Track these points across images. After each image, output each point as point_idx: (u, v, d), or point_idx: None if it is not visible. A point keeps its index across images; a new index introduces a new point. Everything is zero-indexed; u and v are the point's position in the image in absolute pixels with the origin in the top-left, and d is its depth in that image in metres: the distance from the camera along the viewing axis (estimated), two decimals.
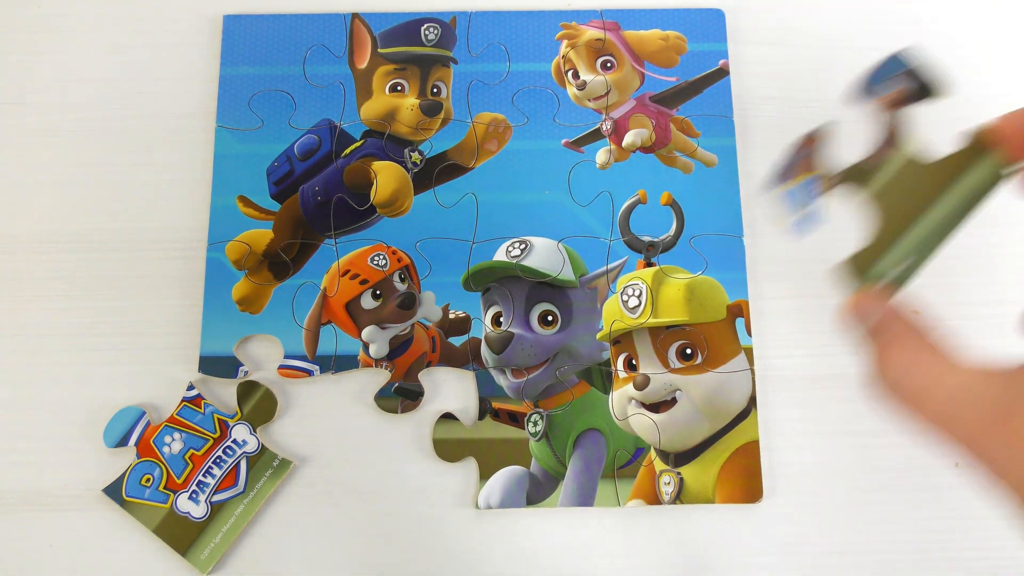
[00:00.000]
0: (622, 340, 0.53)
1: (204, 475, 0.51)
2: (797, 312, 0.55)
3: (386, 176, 0.56)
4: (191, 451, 0.51)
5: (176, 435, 0.51)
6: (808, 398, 0.54)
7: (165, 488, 0.50)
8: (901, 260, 0.36)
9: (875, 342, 0.32)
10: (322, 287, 0.54)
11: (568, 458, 0.52)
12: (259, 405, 0.52)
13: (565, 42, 0.59)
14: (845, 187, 0.38)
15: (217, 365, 0.53)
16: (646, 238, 0.55)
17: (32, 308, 0.55)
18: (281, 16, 0.59)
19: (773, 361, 0.54)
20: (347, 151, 0.57)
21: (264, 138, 0.57)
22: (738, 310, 0.54)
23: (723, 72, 0.59)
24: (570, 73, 0.59)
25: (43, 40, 0.60)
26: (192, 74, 0.59)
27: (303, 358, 0.53)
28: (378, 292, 0.54)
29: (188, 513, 0.50)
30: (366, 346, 0.53)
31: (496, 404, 0.53)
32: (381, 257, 0.55)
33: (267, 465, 0.51)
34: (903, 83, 0.38)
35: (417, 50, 0.59)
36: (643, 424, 0.52)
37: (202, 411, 0.52)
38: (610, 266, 0.55)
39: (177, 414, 0.52)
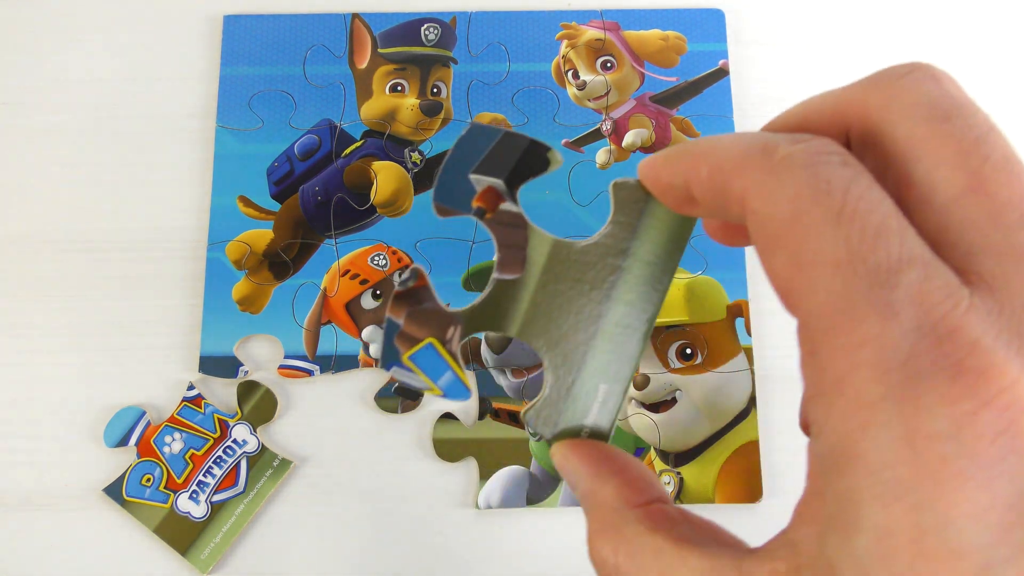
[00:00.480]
0: None
1: (204, 475, 0.51)
2: None
3: (386, 176, 0.56)
4: (191, 451, 0.51)
5: (176, 435, 0.51)
6: None
7: (165, 488, 0.50)
8: (591, 398, 0.26)
9: (585, 513, 0.24)
10: (322, 287, 0.54)
11: None
12: (259, 405, 0.52)
13: (565, 42, 0.59)
14: (477, 336, 0.30)
15: (217, 365, 0.53)
16: None
17: (32, 308, 0.55)
18: (281, 16, 0.59)
19: (773, 361, 0.54)
20: (347, 151, 0.57)
21: (264, 138, 0.57)
22: (738, 310, 0.54)
23: (723, 72, 0.59)
24: (570, 73, 0.59)
25: (43, 40, 0.60)
26: (192, 74, 0.59)
27: (303, 358, 0.53)
28: (378, 292, 0.54)
29: (188, 513, 0.50)
30: (366, 346, 0.53)
31: (496, 404, 0.53)
32: (381, 257, 0.55)
33: (267, 465, 0.51)
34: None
35: (417, 50, 0.59)
36: (643, 424, 0.52)
37: (202, 411, 0.52)
38: None
39: (177, 414, 0.52)
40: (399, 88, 0.58)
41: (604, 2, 0.60)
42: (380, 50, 0.59)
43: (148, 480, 0.51)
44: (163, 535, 0.50)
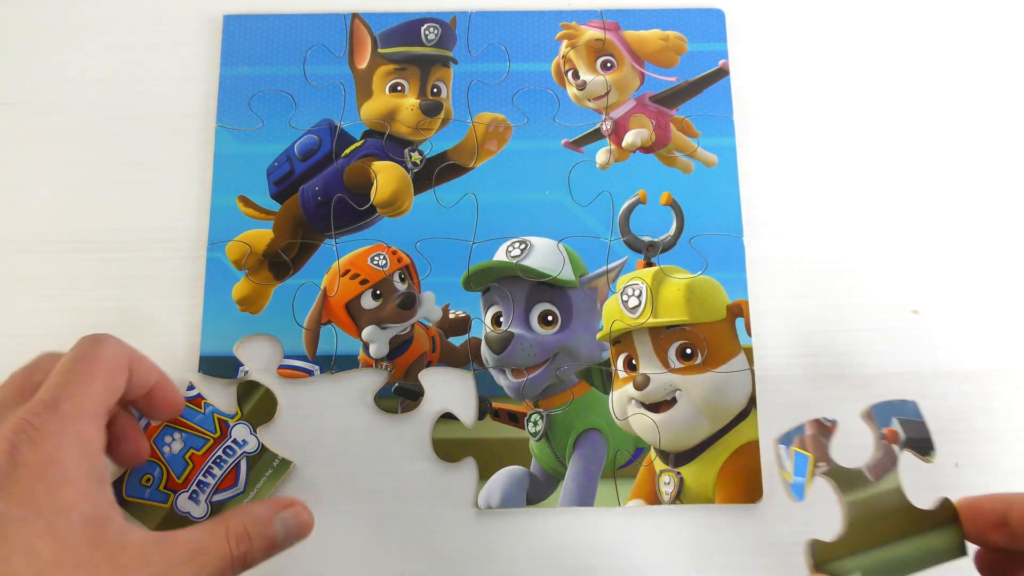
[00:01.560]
0: (622, 340, 0.53)
1: (204, 475, 0.51)
2: (797, 312, 0.55)
3: (386, 176, 0.56)
4: (191, 451, 0.51)
5: (176, 435, 0.51)
6: (808, 398, 0.54)
7: (165, 488, 0.50)
8: (851, 572, 0.40)
9: None
10: (322, 287, 0.54)
11: (568, 458, 0.52)
12: (259, 405, 0.52)
13: (565, 42, 0.59)
14: (830, 481, 0.42)
15: (217, 365, 0.53)
16: (646, 238, 0.55)
17: (33, 308, 0.55)
18: (281, 16, 0.59)
19: (773, 361, 0.54)
20: (347, 151, 0.57)
21: (264, 138, 0.57)
22: (738, 310, 0.54)
23: (723, 72, 0.59)
24: (570, 73, 0.59)
25: (43, 40, 0.60)
26: (192, 74, 0.59)
27: (303, 358, 0.53)
28: (378, 292, 0.54)
29: (188, 513, 0.50)
30: (366, 346, 0.53)
31: (496, 404, 0.53)
32: (381, 257, 0.55)
33: (267, 465, 0.51)
34: (903, 428, 0.43)
35: (417, 50, 0.59)
36: (643, 424, 0.52)
37: (202, 411, 0.52)
38: (610, 266, 0.55)
39: None
40: (399, 88, 0.58)
41: (604, 2, 0.60)
42: (380, 50, 0.59)
43: (148, 480, 0.51)
44: None
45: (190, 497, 0.50)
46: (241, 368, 0.53)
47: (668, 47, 0.59)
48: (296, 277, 0.54)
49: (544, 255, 0.54)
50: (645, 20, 0.60)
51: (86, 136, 0.58)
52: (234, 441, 0.51)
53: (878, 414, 0.43)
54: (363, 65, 0.59)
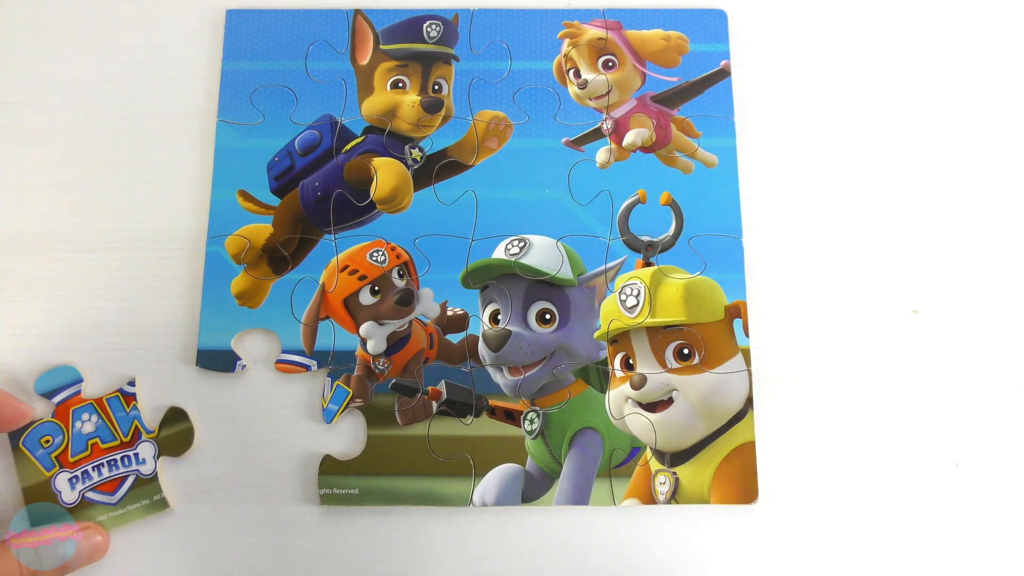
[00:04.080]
0: (619, 339, 0.53)
1: (93, 468, 0.50)
2: (795, 313, 0.55)
3: (386, 172, 0.56)
4: (97, 440, 0.51)
5: (94, 417, 0.51)
6: (805, 399, 0.54)
7: (56, 459, 0.50)
8: (351, 488, 0.47)
9: None
10: (321, 282, 0.54)
11: (564, 456, 0.52)
12: (177, 436, 0.52)
13: (567, 41, 0.59)
14: (362, 415, 0.52)
15: (215, 359, 0.53)
16: (645, 238, 0.55)
17: (33, 307, 0.55)
18: (283, 11, 0.59)
19: (770, 362, 0.54)
20: (347, 147, 0.57)
21: (265, 133, 0.57)
22: (736, 311, 0.54)
23: (725, 73, 0.59)
24: (571, 72, 0.59)
25: (43, 39, 0.60)
26: (194, 69, 0.59)
27: (301, 353, 0.53)
28: (376, 288, 0.54)
29: (60, 493, 0.50)
30: (364, 342, 0.53)
31: (493, 402, 0.53)
32: (380, 253, 0.55)
33: (148, 494, 0.51)
34: (448, 388, 0.52)
35: (419, 47, 0.59)
36: (639, 423, 0.52)
37: (128, 410, 0.52)
38: (609, 265, 0.55)
39: (107, 400, 0.52)
40: (400, 85, 0.58)
41: (606, 1, 0.60)
42: (382, 47, 0.59)
43: (47, 442, 0.51)
44: (28, 497, 0.50)
45: (70, 480, 0.50)
46: (239, 362, 0.53)
47: (670, 47, 0.59)
48: (295, 272, 0.54)
49: (543, 253, 0.54)
50: (647, 20, 0.60)
51: (87, 133, 0.58)
52: (135, 455, 0.51)
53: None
54: (365, 61, 0.59)
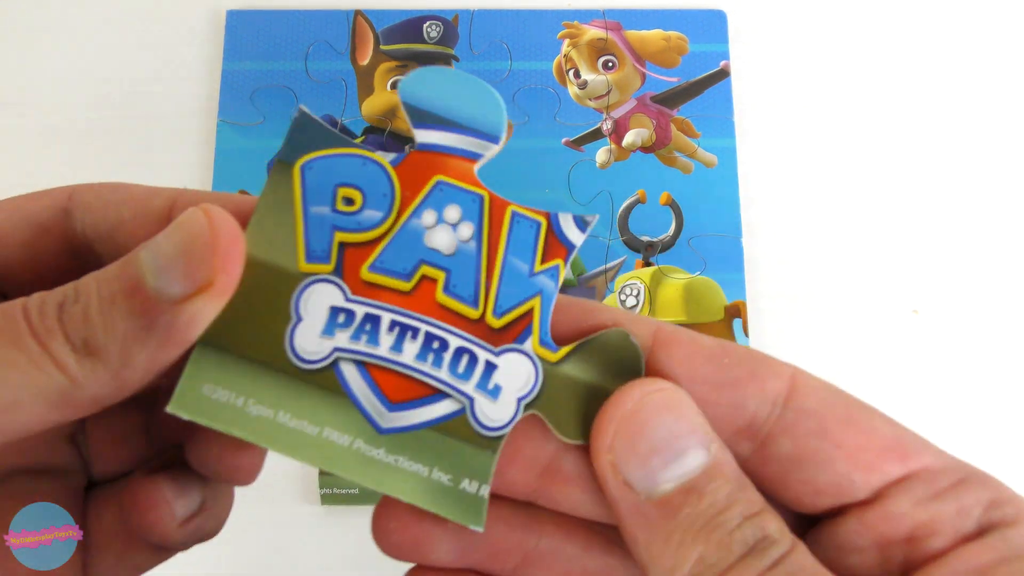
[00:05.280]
0: None
1: None
2: (794, 314, 0.55)
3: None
4: None
5: None
6: None
7: None
8: None
9: None
10: None
11: None
12: None
13: (567, 41, 0.59)
14: None
15: None
16: (645, 238, 0.55)
17: None
18: (284, 12, 0.60)
19: None
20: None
21: (265, 133, 0.57)
22: (736, 311, 0.54)
23: (724, 73, 0.59)
24: (571, 72, 0.59)
25: (43, 39, 0.60)
26: (194, 69, 0.59)
27: None
28: None
29: None
30: None
31: None
32: None
33: None
34: None
35: (419, 47, 0.59)
36: None
37: None
38: (608, 265, 0.55)
39: None
40: None
41: (606, 2, 0.61)
42: (382, 47, 0.59)
43: None
44: None
45: None
46: None
47: (670, 47, 0.59)
48: None
49: None
50: (647, 20, 0.60)
51: (87, 134, 0.58)
52: None
53: None
54: (365, 61, 0.59)
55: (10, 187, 0.58)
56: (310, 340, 0.22)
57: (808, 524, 0.22)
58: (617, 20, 0.60)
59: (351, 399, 0.22)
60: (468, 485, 0.22)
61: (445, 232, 0.24)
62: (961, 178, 0.58)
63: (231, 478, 0.25)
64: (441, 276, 0.23)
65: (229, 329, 0.21)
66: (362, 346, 0.22)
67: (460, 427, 0.22)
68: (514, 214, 0.25)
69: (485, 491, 0.22)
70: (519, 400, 0.22)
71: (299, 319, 0.22)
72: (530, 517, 0.24)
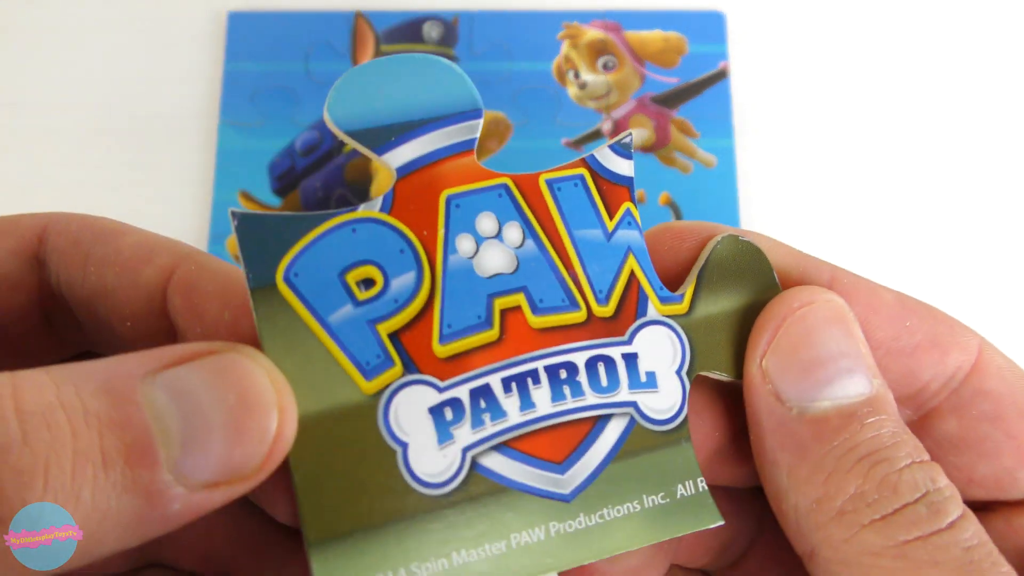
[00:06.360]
0: None
1: None
2: None
3: (386, 173, 0.56)
4: None
5: None
6: None
7: None
8: None
9: None
10: None
11: None
12: None
13: (567, 42, 0.59)
14: None
15: None
16: None
17: None
18: (285, 13, 0.60)
19: None
20: (348, 147, 0.57)
21: (267, 134, 0.57)
22: None
23: (723, 74, 0.59)
24: (571, 73, 0.59)
25: (44, 40, 0.60)
26: (196, 70, 0.59)
27: None
28: None
29: None
30: None
31: None
32: None
33: None
34: None
35: (419, 48, 0.59)
36: None
37: None
38: None
39: None
40: None
41: (606, 3, 0.61)
42: (383, 47, 0.59)
43: None
44: None
45: None
46: None
47: (669, 48, 0.59)
48: None
49: None
50: (646, 21, 0.60)
51: (88, 135, 0.58)
52: None
53: None
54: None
55: (10, 187, 0.58)
56: (430, 460, 0.18)
57: None
58: (616, 21, 0.60)
59: (517, 489, 0.18)
60: (685, 489, 0.19)
61: (494, 249, 0.20)
62: (961, 178, 0.58)
63: None
64: (521, 299, 0.19)
65: (330, 513, 0.17)
66: (490, 428, 0.18)
67: (640, 439, 0.19)
68: (550, 183, 0.21)
69: (703, 483, 0.19)
70: (678, 373, 0.20)
71: (403, 445, 0.18)
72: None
